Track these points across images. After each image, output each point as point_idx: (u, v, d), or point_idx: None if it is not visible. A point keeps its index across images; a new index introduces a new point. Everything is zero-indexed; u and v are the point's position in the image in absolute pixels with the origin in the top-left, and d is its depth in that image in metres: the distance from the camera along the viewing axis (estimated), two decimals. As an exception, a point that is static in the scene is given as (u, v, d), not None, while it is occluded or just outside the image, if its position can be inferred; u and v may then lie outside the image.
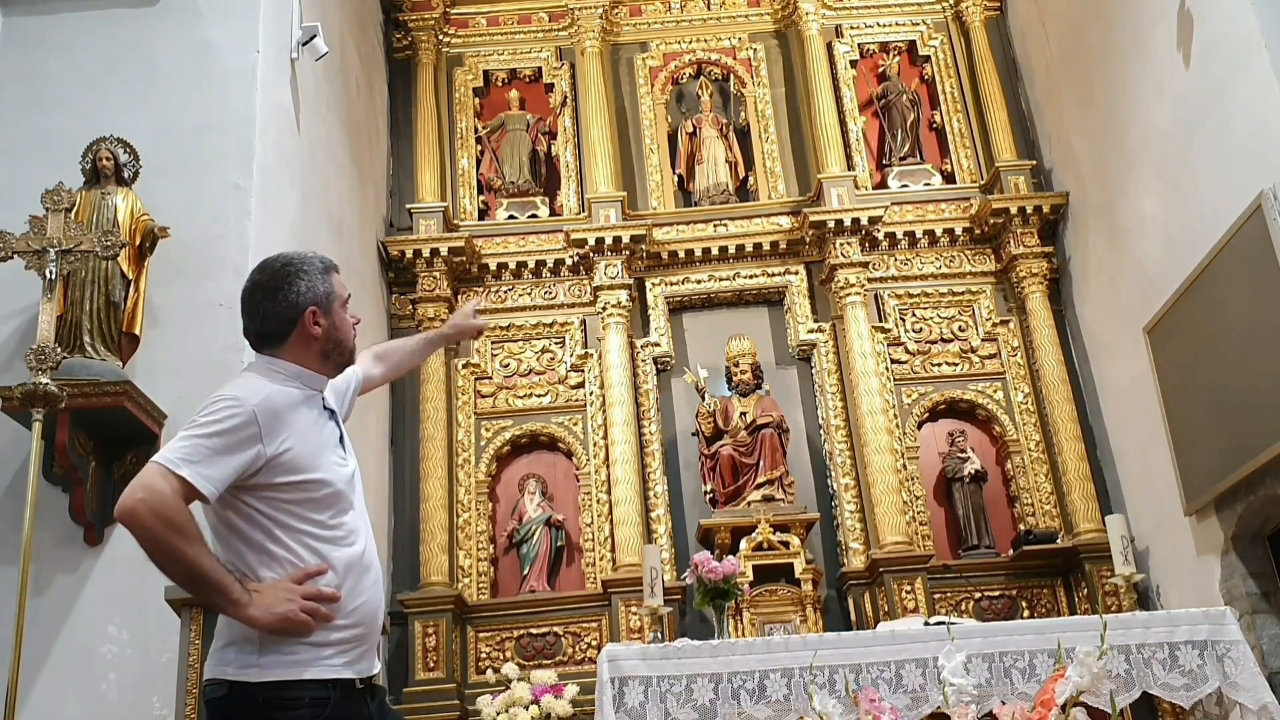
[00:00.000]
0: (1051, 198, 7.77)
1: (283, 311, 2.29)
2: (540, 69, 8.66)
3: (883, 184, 8.21)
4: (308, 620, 2.11)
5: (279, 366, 2.29)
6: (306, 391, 2.30)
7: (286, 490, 2.17)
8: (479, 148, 8.44)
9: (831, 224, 7.67)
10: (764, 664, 3.74)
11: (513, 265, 7.89)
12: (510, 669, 6.54)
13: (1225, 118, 5.62)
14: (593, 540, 7.27)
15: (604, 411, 7.45)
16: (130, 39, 5.40)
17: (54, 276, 4.40)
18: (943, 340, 7.74)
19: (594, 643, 6.89)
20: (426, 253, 7.68)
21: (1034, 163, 8.05)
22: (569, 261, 7.87)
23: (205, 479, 2.08)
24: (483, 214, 8.22)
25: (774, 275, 7.93)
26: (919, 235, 7.91)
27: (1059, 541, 7.04)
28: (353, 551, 2.24)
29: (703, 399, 7.44)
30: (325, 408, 2.35)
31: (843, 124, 8.21)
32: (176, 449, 2.10)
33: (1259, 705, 3.73)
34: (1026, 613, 6.97)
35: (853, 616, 6.96)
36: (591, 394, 7.59)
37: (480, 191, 8.30)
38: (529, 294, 7.90)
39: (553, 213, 8.17)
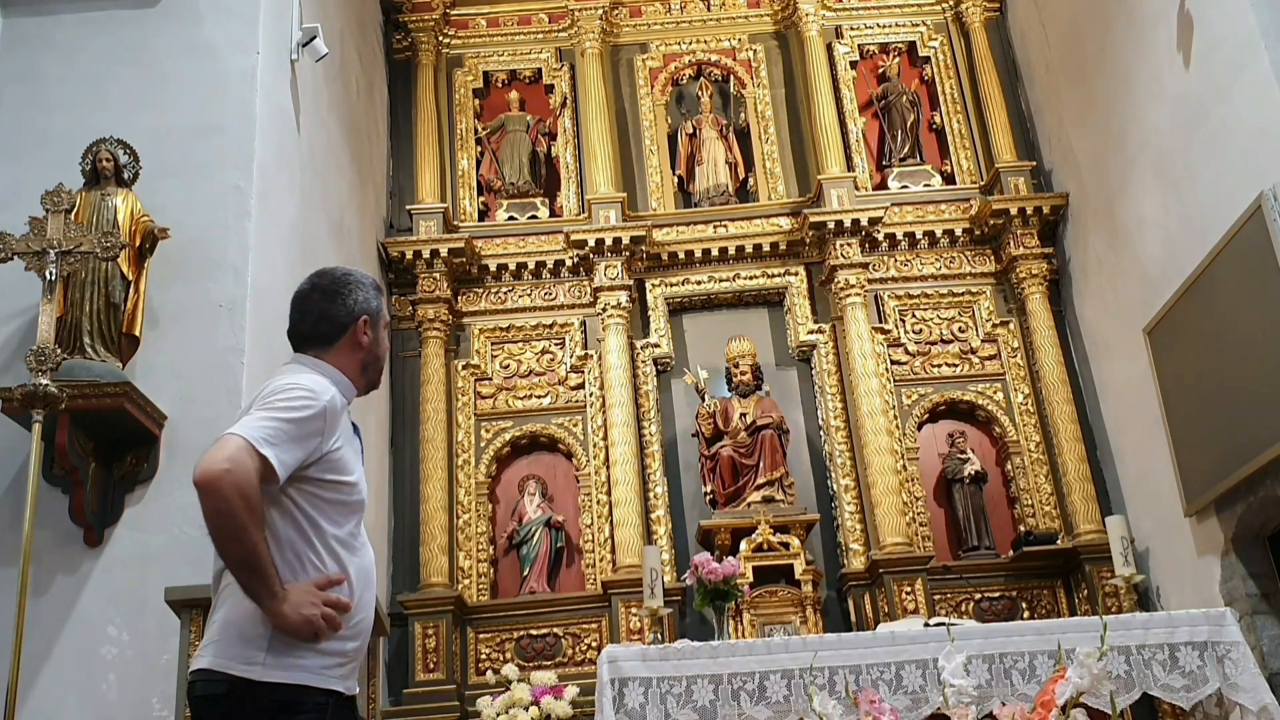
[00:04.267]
0: (1051, 198, 7.77)
1: (338, 315, 2.34)
2: (540, 70, 8.66)
3: (883, 185, 8.21)
4: (324, 627, 2.11)
5: (324, 370, 2.31)
6: (345, 398, 2.33)
7: (329, 489, 2.20)
8: (479, 149, 8.44)
9: (831, 225, 7.68)
10: (764, 665, 3.74)
11: (513, 266, 7.89)
12: (510, 670, 6.54)
13: (1225, 118, 5.61)
14: (593, 541, 7.27)
15: (604, 413, 7.45)
16: (131, 40, 5.39)
17: (54, 278, 4.39)
18: (942, 341, 7.74)
19: (594, 644, 6.90)
20: (426, 254, 7.68)
21: (1034, 163, 8.04)
22: (569, 263, 7.87)
23: (281, 464, 2.10)
24: (483, 215, 8.22)
25: (774, 276, 7.93)
26: (919, 236, 7.91)
27: (1059, 542, 7.04)
28: (364, 563, 2.26)
29: (703, 400, 7.43)
30: (351, 420, 2.39)
31: (843, 125, 8.21)
32: (259, 428, 2.10)
33: (1259, 706, 3.73)
34: (1026, 614, 6.96)
35: (853, 618, 6.96)
36: (591, 395, 7.59)
37: (480, 193, 8.30)
38: (529, 295, 7.90)
39: (553, 214, 8.17)
